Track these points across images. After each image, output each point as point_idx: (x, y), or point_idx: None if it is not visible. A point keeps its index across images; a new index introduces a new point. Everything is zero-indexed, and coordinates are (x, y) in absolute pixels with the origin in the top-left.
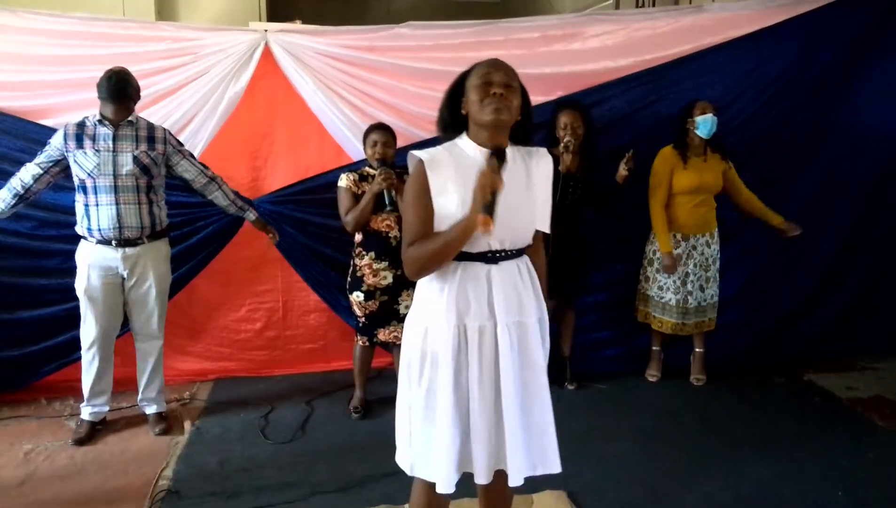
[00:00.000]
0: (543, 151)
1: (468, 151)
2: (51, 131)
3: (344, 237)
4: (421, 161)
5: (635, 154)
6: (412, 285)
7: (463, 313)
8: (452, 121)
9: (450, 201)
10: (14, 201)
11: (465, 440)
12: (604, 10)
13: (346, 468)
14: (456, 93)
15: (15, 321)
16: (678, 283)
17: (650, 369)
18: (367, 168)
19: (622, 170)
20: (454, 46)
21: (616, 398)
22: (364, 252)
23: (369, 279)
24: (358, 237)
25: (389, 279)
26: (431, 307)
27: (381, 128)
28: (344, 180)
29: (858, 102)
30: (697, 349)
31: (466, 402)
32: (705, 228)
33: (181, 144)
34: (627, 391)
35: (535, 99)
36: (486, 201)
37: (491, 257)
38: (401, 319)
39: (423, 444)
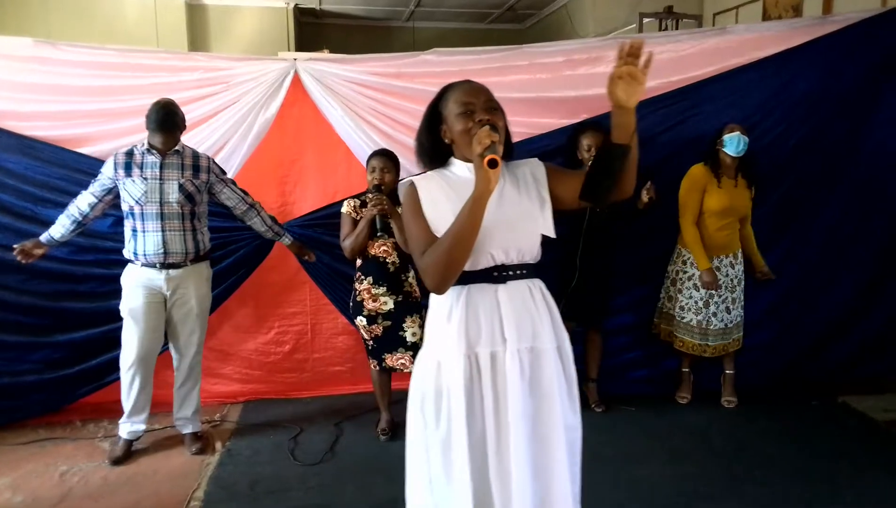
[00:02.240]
0: (534, 160)
1: (459, 172)
2: (88, 159)
3: None
4: (411, 182)
5: (659, 174)
6: (415, 311)
7: (473, 340)
8: (435, 152)
9: (442, 214)
10: (73, 228)
11: (484, 481)
12: (627, 35)
13: (375, 489)
14: (433, 122)
15: (51, 344)
16: (700, 304)
17: (680, 391)
18: (369, 194)
19: (643, 197)
20: (480, 72)
21: (646, 420)
22: (363, 277)
23: (369, 304)
24: (358, 262)
25: (390, 305)
26: (441, 337)
27: (382, 154)
28: (345, 206)
29: (885, 121)
30: (728, 371)
31: (484, 438)
32: (729, 248)
33: (224, 173)
34: (657, 413)
35: (560, 122)
36: (484, 146)
37: (497, 276)
38: (408, 346)
39: (447, 490)
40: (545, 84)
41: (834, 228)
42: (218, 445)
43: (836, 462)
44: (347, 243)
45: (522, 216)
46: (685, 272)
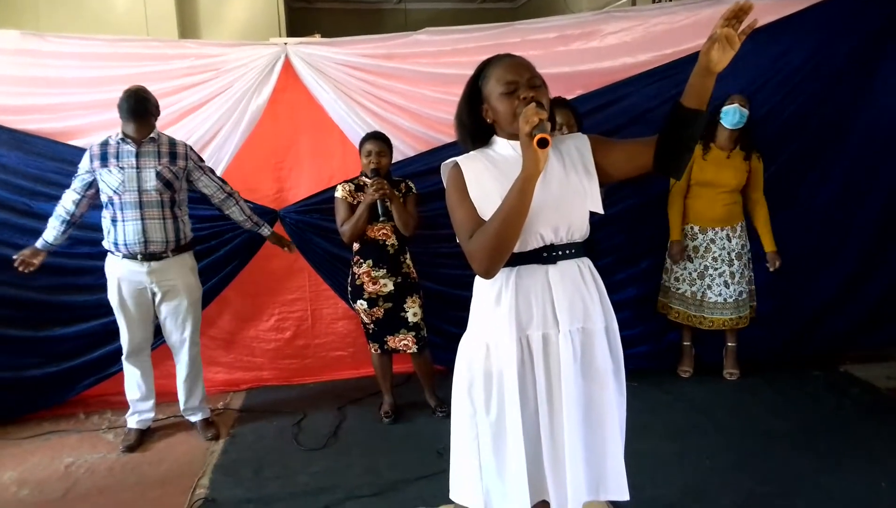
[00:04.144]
0: (577, 134)
1: (503, 151)
2: (82, 152)
3: None
4: (456, 162)
5: None
6: (415, 292)
7: (525, 323)
8: (477, 131)
9: (488, 195)
10: (64, 228)
11: (538, 465)
12: (621, 9)
13: (379, 472)
14: (474, 100)
15: (52, 337)
16: (694, 275)
17: (682, 365)
18: (363, 178)
19: None
20: (472, 50)
21: (648, 395)
22: (362, 260)
23: (369, 287)
24: (355, 246)
25: (390, 287)
26: (490, 321)
27: (376, 137)
28: (340, 191)
29: (884, 89)
30: (729, 344)
31: (536, 421)
32: (726, 221)
33: (202, 160)
34: (660, 387)
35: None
36: (533, 124)
37: (547, 257)
38: (410, 327)
39: (498, 476)
40: (538, 61)
41: (832, 199)
42: (222, 432)
43: (840, 432)
44: (346, 228)
45: (570, 193)
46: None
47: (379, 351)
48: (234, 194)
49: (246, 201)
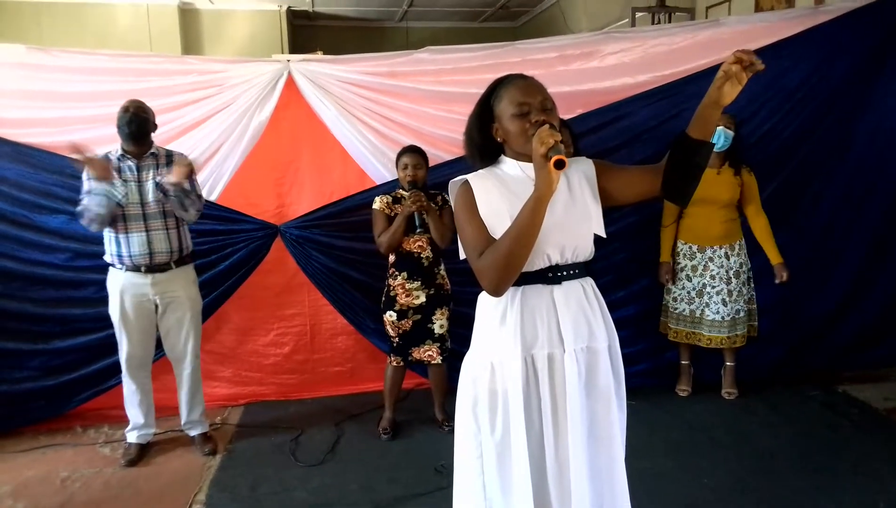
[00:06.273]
0: (583, 158)
1: (511, 171)
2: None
3: (369, 260)
4: (466, 180)
5: None
6: (445, 304)
7: (530, 342)
8: (486, 150)
9: (497, 213)
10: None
11: (543, 484)
12: (620, 30)
13: (377, 488)
14: (484, 118)
15: (50, 350)
16: (692, 294)
17: (680, 384)
18: (400, 190)
19: None
20: (473, 69)
21: (646, 413)
22: (397, 272)
23: (402, 299)
24: (391, 258)
25: (422, 299)
26: (495, 340)
27: (413, 151)
28: (378, 203)
29: (881, 110)
30: (728, 363)
31: (540, 440)
32: (724, 239)
33: (193, 172)
34: (657, 406)
35: None
36: (548, 146)
37: (553, 277)
38: (435, 338)
39: (502, 495)
40: (539, 80)
41: (830, 217)
42: (220, 447)
43: (838, 452)
44: (384, 239)
45: (577, 216)
46: (678, 264)
47: (400, 364)
48: (199, 197)
49: (245, 215)
